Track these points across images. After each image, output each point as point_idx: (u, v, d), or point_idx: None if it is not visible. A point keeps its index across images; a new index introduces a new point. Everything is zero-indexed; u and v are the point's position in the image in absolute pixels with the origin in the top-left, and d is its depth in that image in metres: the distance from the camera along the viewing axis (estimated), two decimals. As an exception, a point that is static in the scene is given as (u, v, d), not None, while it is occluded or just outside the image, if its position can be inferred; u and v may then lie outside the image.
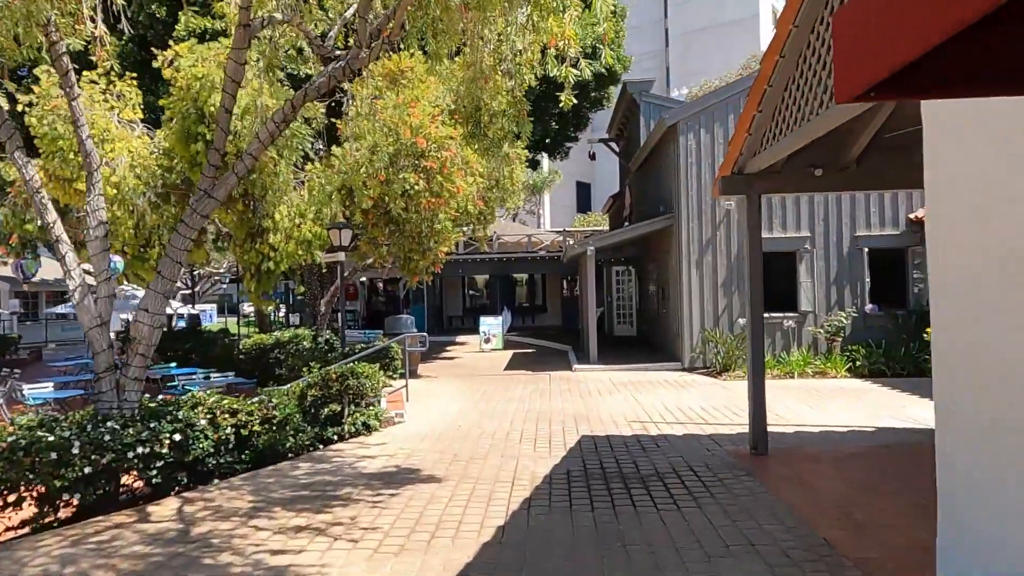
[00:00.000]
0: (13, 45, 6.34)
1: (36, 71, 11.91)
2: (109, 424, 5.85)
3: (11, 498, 5.62)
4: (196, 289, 44.24)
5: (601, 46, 18.51)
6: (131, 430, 5.92)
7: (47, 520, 5.74)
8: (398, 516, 5.52)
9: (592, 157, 23.37)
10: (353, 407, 8.43)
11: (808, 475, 6.37)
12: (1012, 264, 3.11)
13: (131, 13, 17.08)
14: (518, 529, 5.16)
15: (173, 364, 16.49)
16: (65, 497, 5.74)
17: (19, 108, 11.23)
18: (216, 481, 6.68)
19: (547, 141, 22.27)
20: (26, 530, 5.78)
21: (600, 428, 8.87)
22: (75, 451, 5.56)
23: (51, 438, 5.57)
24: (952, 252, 3.67)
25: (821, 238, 14.19)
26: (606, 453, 7.46)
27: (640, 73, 30.65)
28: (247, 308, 37.57)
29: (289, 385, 8.79)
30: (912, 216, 13.95)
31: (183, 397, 6.81)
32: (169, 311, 15.48)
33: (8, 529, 5.93)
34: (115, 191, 12.97)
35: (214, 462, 6.63)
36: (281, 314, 34.33)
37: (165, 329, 23.55)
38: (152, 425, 6.10)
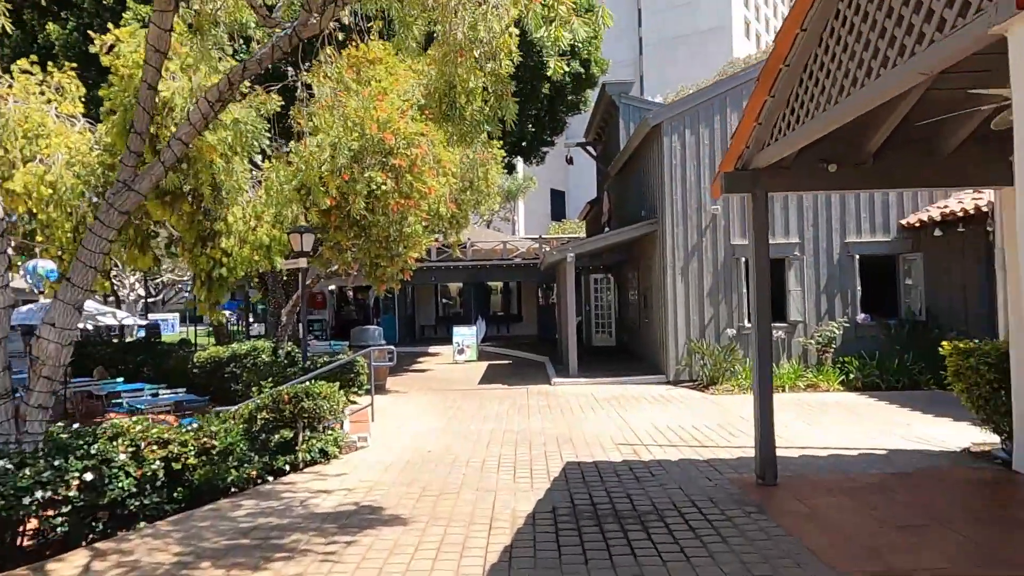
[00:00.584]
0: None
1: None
2: (0, 463, 4.82)
3: None
4: (160, 297, 42.46)
5: (579, 44, 17.82)
6: (28, 470, 4.89)
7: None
8: (352, 575, 4.59)
9: (570, 161, 22.65)
10: (308, 432, 7.45)
11: (828, 510, 5.58)
12: None
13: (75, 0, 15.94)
14: (498, 590, 4.27)
15: (120, 379, 15.28)
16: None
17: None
18: (141, 525, 5.67)
19: (523, 144, 21.49)
20: None
21: (586, 452, 8.00)
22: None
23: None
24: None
25: (811, 244, 13.57)
26: (595, 484, 6.59)
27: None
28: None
29: (236, 407, 7.79)
30: (904, 222, 13.41)
31: (101, 427, 5.78)
32: (112, 321, 14.28)
33: None
34: (50, 191, 11.82)
35: (137, 503, 5.61)
36: (250, 324, 32.93)
37: (116, 340, 22.22)
38: (57, 463, 5.08)
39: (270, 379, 11.90)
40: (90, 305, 13.57)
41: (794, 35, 4.94)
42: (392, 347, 12.47)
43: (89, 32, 11.33)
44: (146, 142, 5.25)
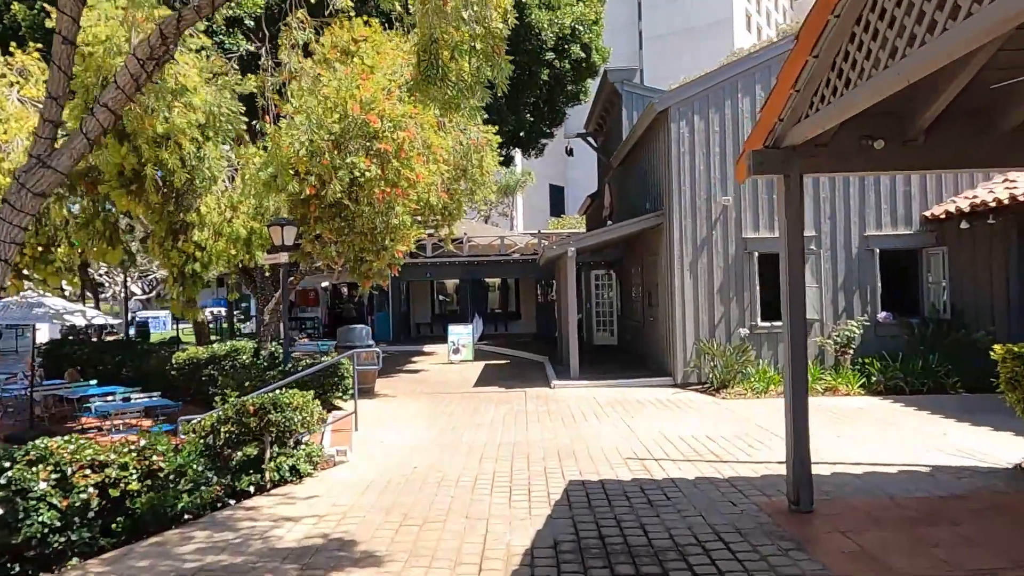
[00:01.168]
0: None
1: None
2: None
3: None
4: (154, 294, 41.35)
5: (580, 26, 16.92)
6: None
7: None
8: (308, 637, 3.73)
9: (569, 152, 21.76)
10: (277, 448, 6.58)
11: (880, 548, 4.73)
12: None
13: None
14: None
15: (93, 381, 14.39)
16: None
17: None
18: (72, 563, 4.80)
19: (521, 135, 20.59)
20: None
21: (591, 468, 7.15)
22: None
23: None
24: None
25: (828, 238, 12.70)
26: (603, 510, 5.73)
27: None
28: (207, 314, 34.85)
29: (197, 418, 6.92)
30: (928, 214, 12.55)
31: (20, 451, 4.90)
32: (81, 321, 13.40)
33: None
34: (11, 180, 10.93)
35: (63, 539, 4.74)
36: (240, 323, 31.97)
37: (95, 339, 21.29)
38: (-44, 496, 4.21)
39: (246, 383, 11.11)
40: (56, 303, 12.69)
41: (848, -23, 4.07)
42: (378, 349, 11.62)
43: (45, 5, 10.40)
44: (63, 108, 4.38)
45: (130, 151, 9.78)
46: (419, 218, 12.24)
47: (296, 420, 6.62)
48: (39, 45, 12.11)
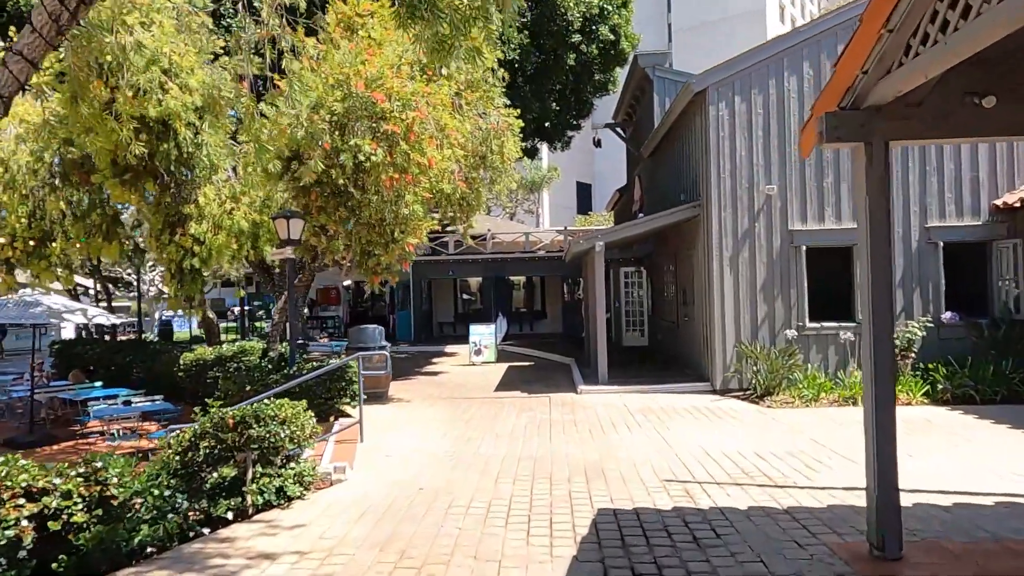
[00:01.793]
0: None
1: None
2: None
3: None
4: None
5: (609, 6, 15.86)
6: None
7: None
8: None
9: (597, 144, 20.71)
10: (261, 468, 5.72)
11: (999, 615, 3.68)
12: None
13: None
14: None
15: (99, 383, 13.80)
16: None
17: None
18: (2, 611, 4.00)
19: (546, 126, 19.63)
20: None
21: (623, 493, 6.16)
22: None
23: None
24: None
25: (884, 230, 11.47)
26: (640, 551, 4.75)
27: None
28: (236, 311, 34.15)
29: (172, 433, 6.10)
30: (998, 203, 11.27)
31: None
32: (82, 320, 12.80)
33: None
34: (2, 170, 10.32)
35: (-15, 585, 3.93)
36: (260, 320, 31.46)
37: (108, 339, 20.86)
38: None
39: (247, 387, 10.34)
40: (56, 301, 12.09)
41: None
42: (387, 354, 10.74)
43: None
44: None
45: (131, 135, 9.06)
46: (441, 209, 11.34)
47: (283, 435, 5.75)
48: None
